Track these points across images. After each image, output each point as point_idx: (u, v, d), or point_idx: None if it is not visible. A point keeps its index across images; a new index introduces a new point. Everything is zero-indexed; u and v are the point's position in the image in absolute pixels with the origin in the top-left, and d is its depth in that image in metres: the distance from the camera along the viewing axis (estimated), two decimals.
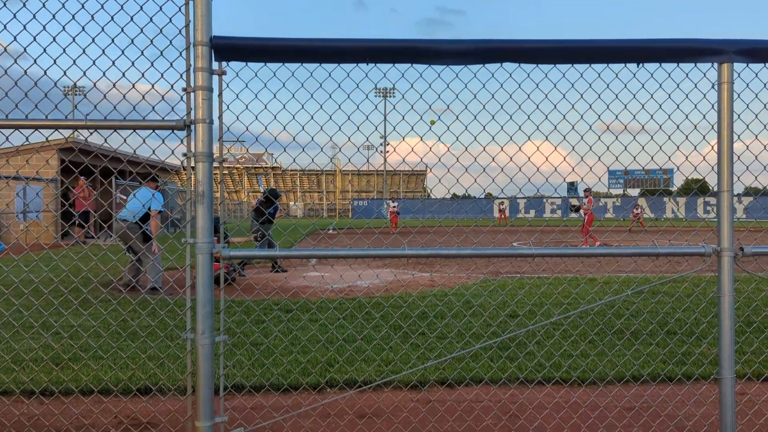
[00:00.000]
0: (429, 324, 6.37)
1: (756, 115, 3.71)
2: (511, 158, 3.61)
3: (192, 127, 3.17)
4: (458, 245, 3.39)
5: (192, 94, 3.15)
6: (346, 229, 22.42)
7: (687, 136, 3.74)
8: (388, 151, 46.46)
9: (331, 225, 33.27)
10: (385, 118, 49.38)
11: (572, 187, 56.10)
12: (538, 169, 3.79)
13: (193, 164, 3.18)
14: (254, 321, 6.54)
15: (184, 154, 3.19)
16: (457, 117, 3.47)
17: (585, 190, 20.90)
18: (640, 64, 3.52)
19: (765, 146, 3.79)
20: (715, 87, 3.50)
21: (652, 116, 3.69)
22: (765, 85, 3.65)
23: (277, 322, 6.53)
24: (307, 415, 3.91)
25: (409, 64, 3.36)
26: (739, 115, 3.58)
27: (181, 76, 3.17)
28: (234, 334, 5.89)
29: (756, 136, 3.81)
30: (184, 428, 3.31)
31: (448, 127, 3.45)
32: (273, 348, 5.40)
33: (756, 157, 3.77)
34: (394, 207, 30.80)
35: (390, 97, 61.41)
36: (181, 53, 3.19)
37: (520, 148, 3.67)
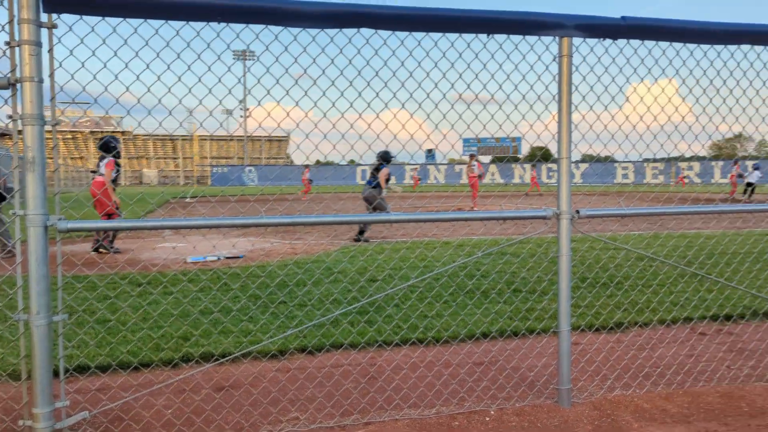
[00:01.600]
0: (289, 292, 6.33)
1: (591, 87, 3.98)
2: (369, 125, 3.61)
3: (18, 86, 2.83)
4: (319, 212, 3.35)
5: (17, 49, 2.81)
6: (201, 197, 21.65)
7: (531, 106, 3.94)
8: (247, 116, 45.02)
9: (188, 193, 31.86)
10: (242, 81, 47.69)
11: (430, 154, 58.01)
12: (395, 136, 3.83)
13: (20, 128, 2.85)
14: (99, 297, 6.11)
15: (10, 117, 2.85)
16: (315, 82, 3.39)
17: (470, 155, 22.04)
18: (490, 35, 3.65)
19: (598, 116, 4.10)
20: (557, 59, 3.73)
21: (500, 86, 3.84)
22: (599, 59, 3.92)
23: (125, 298, 6.15)
24: (160, 393, 3.73)
25: (264, 26, 3.23)
26: (576, 87, 3.84)
27: (3, 28, 2.81)
28: (75, 313, 5.47)
29: (591, 107, 4.11)
30: (20, 416, 3.02)
31: (306, 92, 3.36)
32: (121, 325, 5.08)
33: (591, 126, 4.07)
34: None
35: (249, 59, 59.43)
36: (2, 2, 2.82)
37: (377, 115, 3.68)
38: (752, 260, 8.37)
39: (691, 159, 47.10)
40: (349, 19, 3.25)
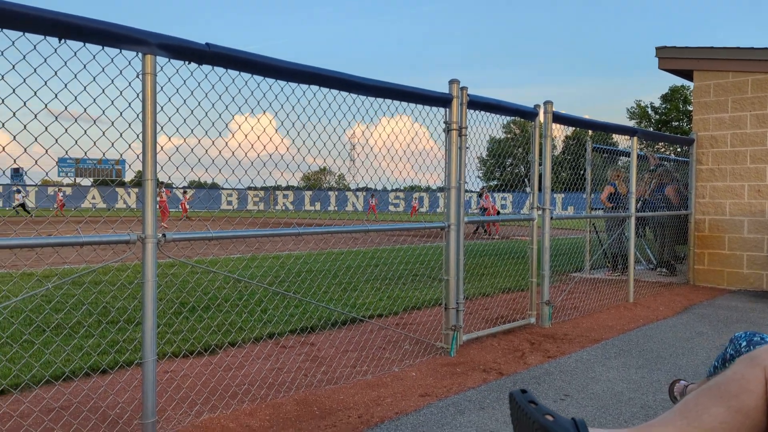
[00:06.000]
0: None
1: (177, 109, 3.89)
2: None
3: None
4: None
5: None
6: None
7: (113, 123, 3.66)
8: None
9: None
10: None
11: (17, 173, 50.73)
12: None
13: None
14: None
15: None
16: None
17: None
18: (63, 40, 3.27)
19: (185, 139, 4.05)
20: (140, 77, 3.55)
21: (76, 98, 3.46)
22: (185, 81, 3.86)
23: None
24: None
25: None
26: (162, 107, 3.72)
27: None
28: None
29: (177, 129, 4.02)
30: None
31: None
32: None
33: (177, 149, 3.97)
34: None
35: None
36: None
37: None
38: (332, 276, 9.47)
39: (287, 188, 51.68)
40: None
